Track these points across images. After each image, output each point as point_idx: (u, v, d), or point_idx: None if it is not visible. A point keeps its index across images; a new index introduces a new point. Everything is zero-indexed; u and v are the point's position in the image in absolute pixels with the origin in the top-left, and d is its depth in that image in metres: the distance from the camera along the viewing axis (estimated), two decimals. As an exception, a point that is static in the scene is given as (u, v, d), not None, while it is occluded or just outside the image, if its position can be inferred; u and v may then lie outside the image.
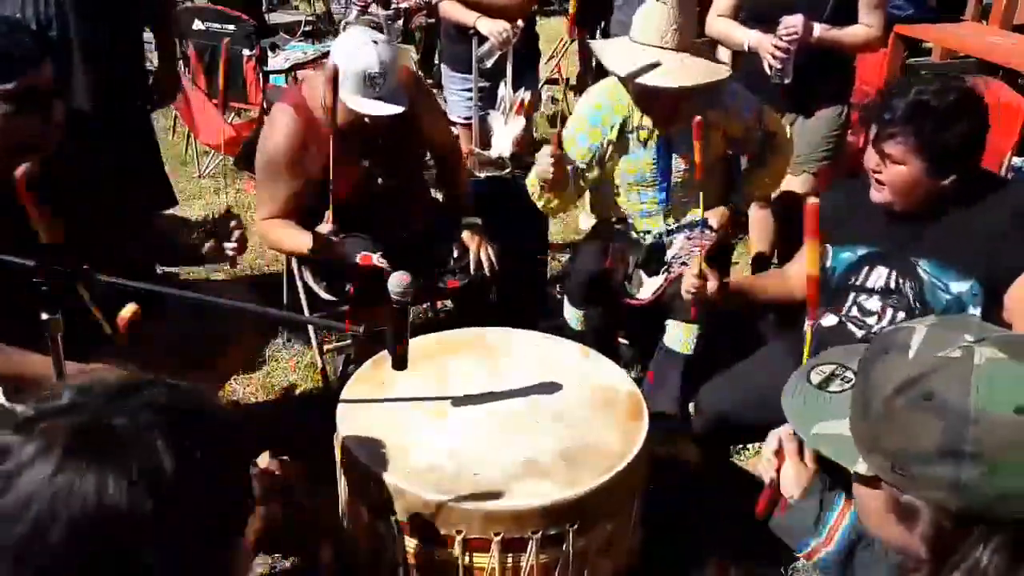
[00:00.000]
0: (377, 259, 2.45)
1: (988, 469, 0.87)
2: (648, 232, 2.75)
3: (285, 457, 1.52)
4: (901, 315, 2.04)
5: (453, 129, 4.09)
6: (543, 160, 2.47)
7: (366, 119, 2.46)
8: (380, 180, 2.67)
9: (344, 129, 2.46)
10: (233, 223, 2.24)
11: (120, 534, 0.76)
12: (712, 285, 2.19)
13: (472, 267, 2.69)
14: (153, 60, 3.41)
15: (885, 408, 0.94)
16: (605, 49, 2.63)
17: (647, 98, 2.54)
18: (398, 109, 2.43)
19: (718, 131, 2.63)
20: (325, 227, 2.50)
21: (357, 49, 2.43)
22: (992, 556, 0.89)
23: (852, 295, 2.11)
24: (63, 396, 0.82)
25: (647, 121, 2.62)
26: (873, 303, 2.08)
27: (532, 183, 2.65)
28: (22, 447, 0.78)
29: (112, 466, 0.77)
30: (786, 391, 1.15)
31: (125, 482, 0.76)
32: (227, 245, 2.22)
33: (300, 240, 2.53)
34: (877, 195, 2.00)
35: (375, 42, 2.43)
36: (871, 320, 2.09)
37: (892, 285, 2.04)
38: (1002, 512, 0.88)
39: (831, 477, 1.44)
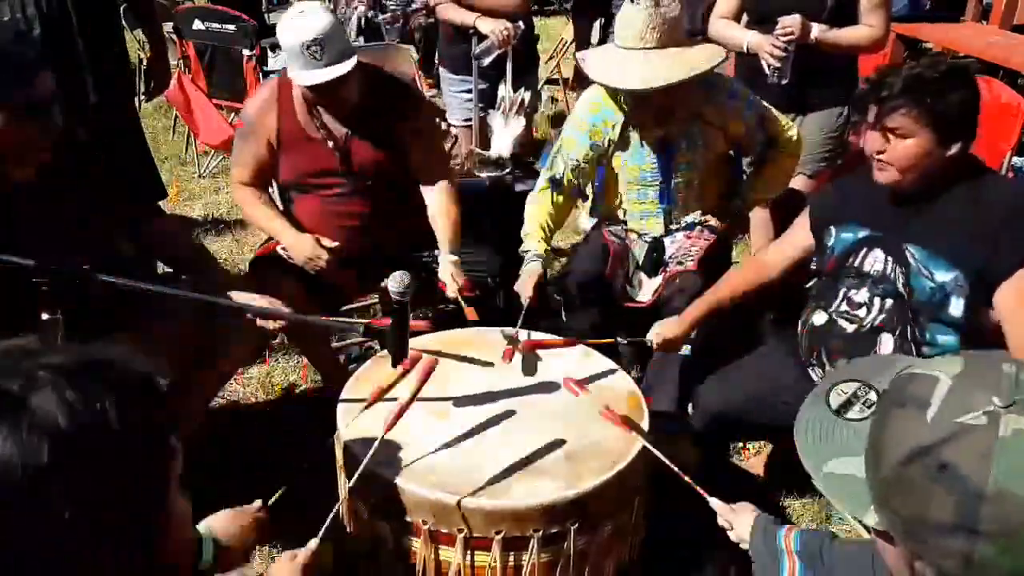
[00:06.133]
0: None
1: (1002, 548, 0.82)
2: (647, 234, 2.76)
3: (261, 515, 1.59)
4: (889, 302, 2.04)
5: (452, 132, 4.10)
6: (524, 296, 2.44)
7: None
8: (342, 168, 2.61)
9: (316, 102, 2.53)
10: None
11: (17, 484, 0.79)
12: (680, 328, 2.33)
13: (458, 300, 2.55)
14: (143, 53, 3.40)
15: (897, 472, 0.88)
16: (589, 59, 2.61)
17: (638, 103, 2.54)
18: (340, 71, 2.36)
19: (717, 130, 2.63)
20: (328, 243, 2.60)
21: (289, 24, 2.37)
22: None
23: (842, 290, 2.11)
24: None
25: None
26: (862, 294, 2.08)
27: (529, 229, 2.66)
28: None
29: (5, 424, 0.80)
30: (800, 415, 1.07)
31: (18, 436, 0.79)
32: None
33: (274, 229, 2.66)
34: (882, 175, 1.98)
35: (302, 12, 2.38)
36: (861, 312, 2.09)
37: (884, 270, 2.04)
38: None
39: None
